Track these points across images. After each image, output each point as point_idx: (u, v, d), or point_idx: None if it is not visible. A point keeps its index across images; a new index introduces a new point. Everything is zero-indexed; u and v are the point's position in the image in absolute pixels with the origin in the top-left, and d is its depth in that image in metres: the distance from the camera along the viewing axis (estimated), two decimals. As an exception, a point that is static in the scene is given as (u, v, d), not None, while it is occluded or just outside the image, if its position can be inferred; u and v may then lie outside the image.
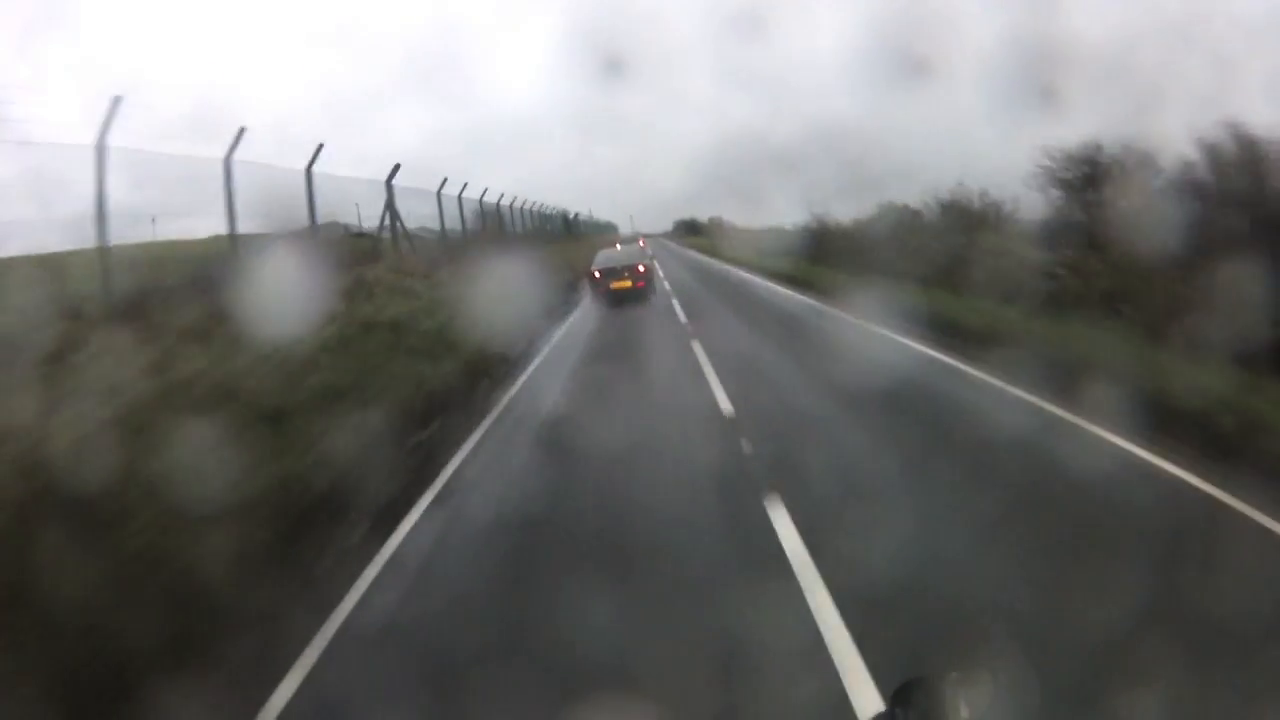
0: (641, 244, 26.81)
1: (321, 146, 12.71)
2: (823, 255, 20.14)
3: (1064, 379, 7.18)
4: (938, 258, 13.98)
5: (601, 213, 54.26)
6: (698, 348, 11.33)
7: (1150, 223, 11.15)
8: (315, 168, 12.71)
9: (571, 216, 39.50)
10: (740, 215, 38.16)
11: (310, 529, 5.35)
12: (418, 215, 17.60)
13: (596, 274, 19.52)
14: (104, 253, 8.60)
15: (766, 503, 5.25)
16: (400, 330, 9.91)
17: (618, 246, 25.13)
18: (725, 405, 8.16)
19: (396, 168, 15.46)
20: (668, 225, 64.60)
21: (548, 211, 32.89)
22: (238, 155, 10.50)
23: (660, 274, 23.72)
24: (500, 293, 11.49)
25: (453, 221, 19.30)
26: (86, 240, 8.57)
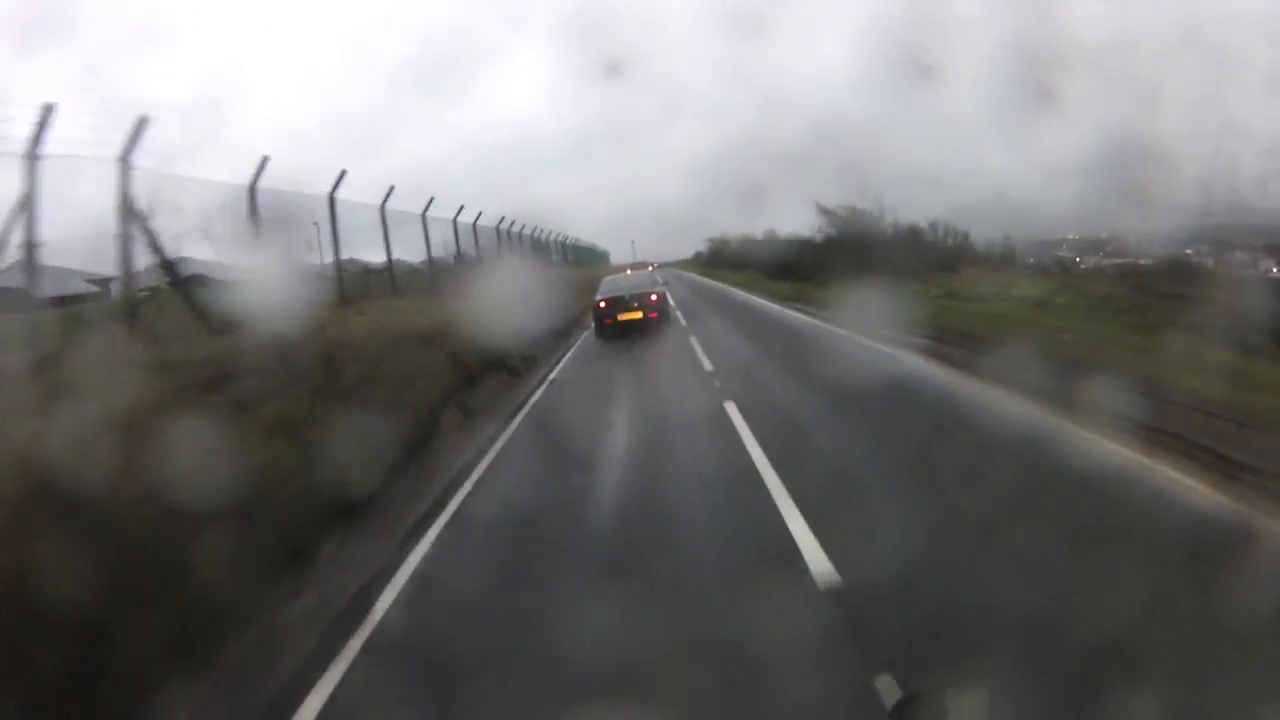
0: (651, 270, 25.78)
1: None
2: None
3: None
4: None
5: (605, 243, 44.13)
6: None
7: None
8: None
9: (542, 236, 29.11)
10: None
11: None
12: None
13: (602, 304, 17.40)
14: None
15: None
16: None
17: (628, 272, 23.29)
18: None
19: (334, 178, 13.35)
20: (686, 251, 53.94)
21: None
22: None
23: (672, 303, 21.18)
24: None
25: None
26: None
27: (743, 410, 8.24)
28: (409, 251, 17.71)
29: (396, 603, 4.83)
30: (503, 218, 23.43)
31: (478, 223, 21.06)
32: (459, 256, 20.02)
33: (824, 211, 25.03)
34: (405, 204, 16.54)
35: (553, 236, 31.38)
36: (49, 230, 8.07)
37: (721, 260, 41.49)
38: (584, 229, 39.33)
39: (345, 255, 14.26)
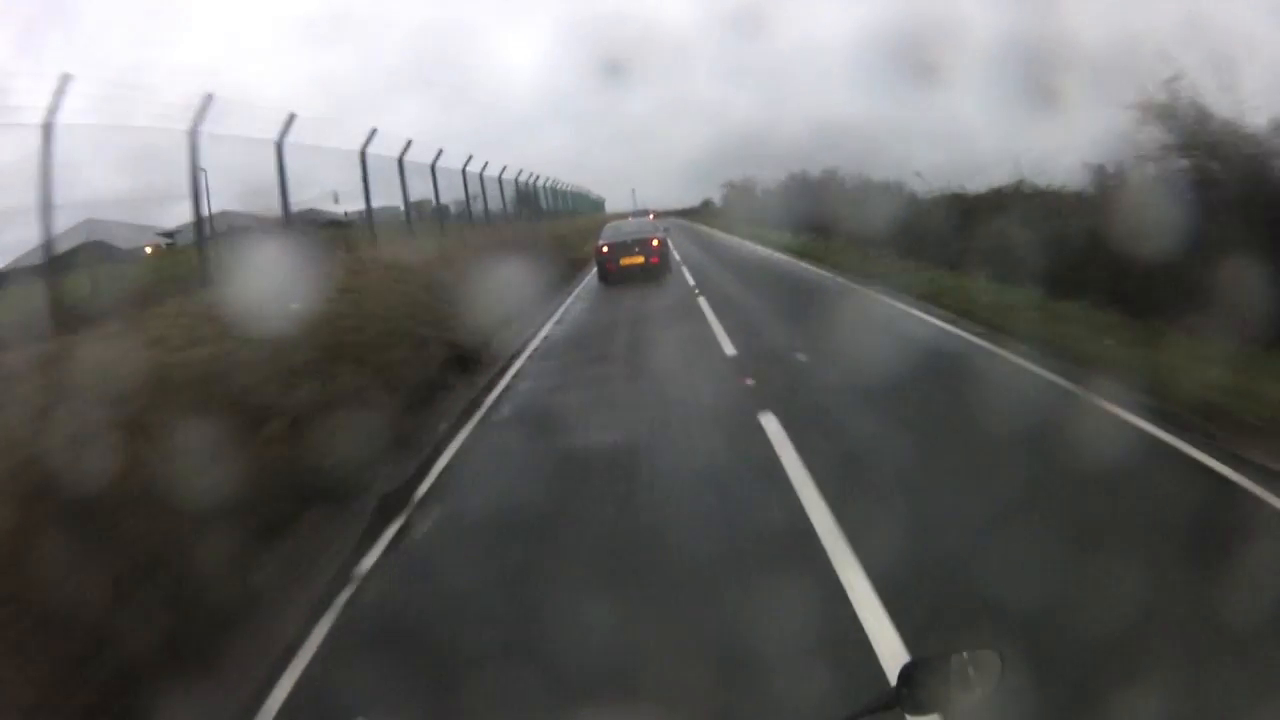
0: (651, 218, 25.86)
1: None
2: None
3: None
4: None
5: (603, 190, 42.80)
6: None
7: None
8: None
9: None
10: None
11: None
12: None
13: (604, 248, 17.85)
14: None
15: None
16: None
17: (630, 219, 23.56)
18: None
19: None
20: (693, 199, 53.68)
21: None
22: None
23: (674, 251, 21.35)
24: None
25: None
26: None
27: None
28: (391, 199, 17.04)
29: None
30: (482, 160, 21.84)
31: (436, 164, 19.20)
32: (440, 207, 19.77)
33: (1155, 113, 9.18)
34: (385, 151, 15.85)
35: (540, 182, 29.38)
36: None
37: (740, 212, 33.33)
38: (578, 177, 38.52)
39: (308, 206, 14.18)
